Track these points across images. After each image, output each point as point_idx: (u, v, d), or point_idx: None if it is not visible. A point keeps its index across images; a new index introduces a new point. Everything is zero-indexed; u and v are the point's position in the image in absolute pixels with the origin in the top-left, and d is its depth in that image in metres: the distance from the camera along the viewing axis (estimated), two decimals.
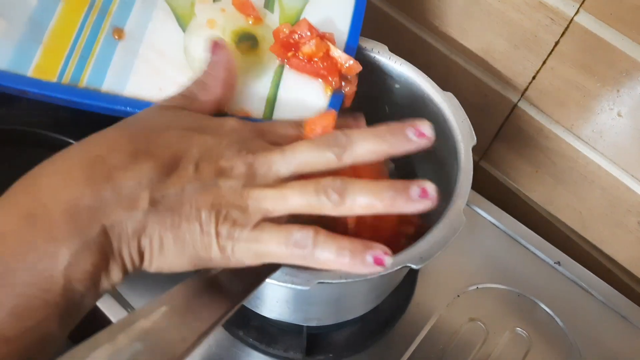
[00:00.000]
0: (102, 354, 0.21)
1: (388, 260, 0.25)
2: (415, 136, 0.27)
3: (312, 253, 0.25)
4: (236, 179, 0.25)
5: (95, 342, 0.21)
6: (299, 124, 0.31)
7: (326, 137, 0.27)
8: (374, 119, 0.49)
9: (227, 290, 0.27)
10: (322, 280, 0.31)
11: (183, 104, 0.30)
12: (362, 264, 0.25)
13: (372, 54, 0.43)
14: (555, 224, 0.58)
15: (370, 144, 0.27)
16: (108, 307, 0.46)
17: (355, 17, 0.40)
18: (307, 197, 0.25)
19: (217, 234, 0.25)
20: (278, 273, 0.31)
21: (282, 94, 0.35)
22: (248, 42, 0.36)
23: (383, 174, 0.42)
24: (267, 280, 0.30)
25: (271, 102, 0.35)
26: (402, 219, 0.40)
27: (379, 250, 0.25)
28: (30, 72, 0.33)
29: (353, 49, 0.39)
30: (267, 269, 0.29)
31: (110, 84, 0.34)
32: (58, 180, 0.23)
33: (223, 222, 0.25)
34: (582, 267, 0.53)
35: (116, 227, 0.23)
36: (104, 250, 0.23)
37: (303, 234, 0.25)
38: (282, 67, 0.36)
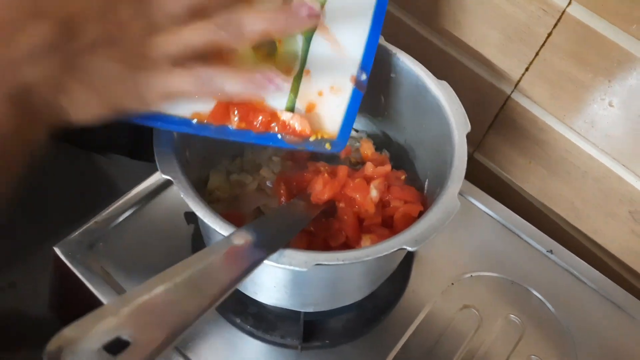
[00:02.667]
0: (106, 326, 0.21)
1: (275, 77, 0.29)
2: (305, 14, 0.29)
3: (211, 81, 0.29)
4: (139, 29, 0.27)
5: (99, 314, 0.22)
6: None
7: None
8: (369, 108, 0.50)
9: (228, 267, 0.27)
10: (319, 262, 0.32)
11: None
12: (256, 83, 0.29)
13: None
14: (548, 215, 0.58)
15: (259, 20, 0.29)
16: (106, 297, 0.46)
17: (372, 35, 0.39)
18: (206, 34, 0.28)
19: (126, 82, 0.27)
20: (276, 255, 0.32)
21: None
22: (266, 48, 0.36)
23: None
24: (265, 262, 0.31)
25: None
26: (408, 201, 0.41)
27: (266, 70, 0.29)
28: None
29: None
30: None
31: None
32: None
33: (135, 70, 0.27)
34: (574, 255, 0.53)
35: (33, 86, 0.25)
36: (24, 107, 0.25)
37: (203, 66, 0.28)
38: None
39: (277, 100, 0.35)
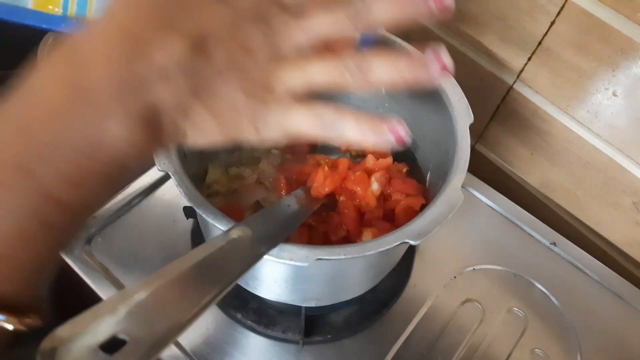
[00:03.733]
0: (103, 324, 0.21)
1: (402, 129, 0.26)
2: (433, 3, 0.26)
3: (333, 124, 0.26)
4: (259, 56, 0.26)
5: (95, 312, 0.21)
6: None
7: (339, 2, 0.27)
8: (370, 100, 0.49)
9: (227, 264, 0.27)
10: (321, 257, 0.31)
11: None
12: (380, 133, 0.26)
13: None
14: (550, 206, 0.58)
15: (388, 7, 0.26)
16: (105, 292, 0.46)
17: None
18: (330, 69, 0.26)
19: (247, 113, 0.26)
20: (276, 250, 0.31)
21: None
22: None
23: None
24: (266, 257, 0.30)
25: None
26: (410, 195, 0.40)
27: (394, 120, 0.26)
28: None
29: None
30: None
31: None
32: (98, 57, 0.24)
33: (252, 101, 0.26)
34: (577, 247, 0.53)
35: (158, 105, 0.24)
36: (148, 126, 0.24)
37: (325, 107, 0.26)
38: None
39: None
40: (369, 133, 0.26)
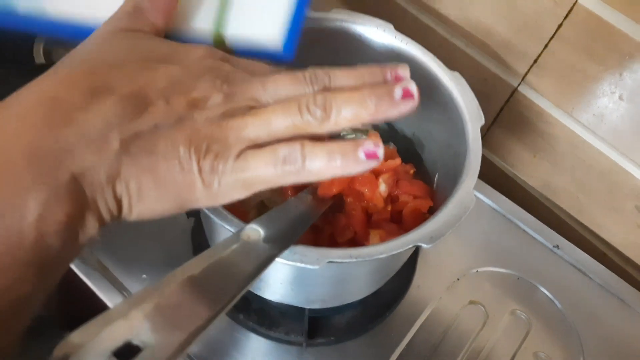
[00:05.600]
0: (117, 329, 0.20)
1: (380, 150, 0.24)
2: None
3: (303, 166, 0.24)
4: (212, 110, 0.24)
5: (107, 317, 0.20)
6: (273, 70, 0.28)
7: (308, 74, 0.26)
8: None
9: (245, 264, 0.26)
10: (332, 260, 0.31)
11: (133, 25, 0.27)
12: (355, 162, 0.24)
13: (378, 32, 0.42)
14: (552, 209, 0.58)
15: (352, 82, 0.26)
16: (104, 292, 0.45)
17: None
18: (291, 117, 0.24)
19: (200, 170, 0.23)
20: (287, 252, 0.30)
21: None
22: None
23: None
24: (276, 259, 0.29)
25: (222, 8, 0.31)
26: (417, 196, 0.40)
27: (369, 143, 0.24)
28: None
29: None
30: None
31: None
32: (16, 127, 0.21)
33: (204, 156, 0.23)
34: (580, 250, 0.53)
35: (86, 173, 0.21)
36: (76, 199, 0.21)
37: (290, 148, 0.24)
38: None
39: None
40: (344, 165, 0.24)
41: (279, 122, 0.24)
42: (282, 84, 0.25)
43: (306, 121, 0.24)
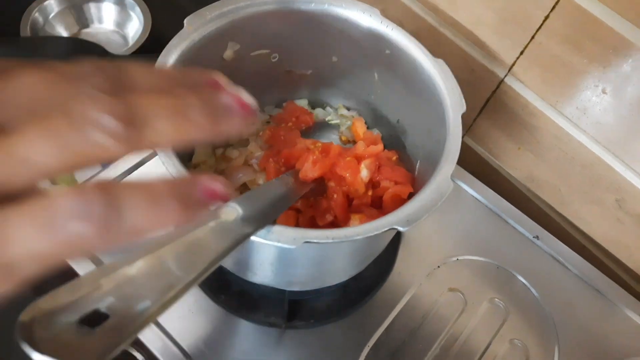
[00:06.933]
0: (85, 297, 0.20)
1: (220, 186, 0.18)
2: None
3: (117, 225, 0.16)
4: None
5: (76, 285, 0.20)
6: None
7: (84, 65, 0.17)
8: (362, 85, 0.48)
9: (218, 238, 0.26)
10: (309, 240, 0.31)
11: None
12: (194, 207, 0.18)
13: (364, 17, 0.42)
14: (533, 200, 0.58)
15: (162, 83, 0.18)
16: (78, 263, 0.45)
17: None
18: (61, 138, 0.15)
19: None
20: (264, 231, 0.31)
21: None
22: None
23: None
24: (253, 238, 0.30)
25: None
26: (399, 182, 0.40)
27: (206, 179, 0.18)
28: None
29: None
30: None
31: None
32: None
33: None
34: (559, 241, 0.54)
35: None
36: None
37: (80, 202, 0.15)
38: None
39: None
40: (171, 215, 0.17)
41: (39, 152, 0.15)
42: (31, 86, 0.16)
43: (106, 150, 0.15)
